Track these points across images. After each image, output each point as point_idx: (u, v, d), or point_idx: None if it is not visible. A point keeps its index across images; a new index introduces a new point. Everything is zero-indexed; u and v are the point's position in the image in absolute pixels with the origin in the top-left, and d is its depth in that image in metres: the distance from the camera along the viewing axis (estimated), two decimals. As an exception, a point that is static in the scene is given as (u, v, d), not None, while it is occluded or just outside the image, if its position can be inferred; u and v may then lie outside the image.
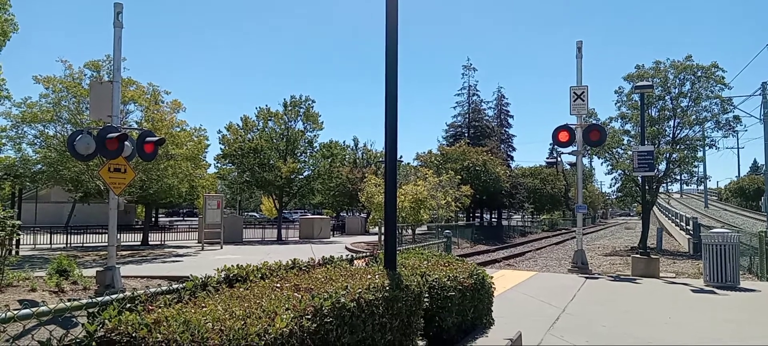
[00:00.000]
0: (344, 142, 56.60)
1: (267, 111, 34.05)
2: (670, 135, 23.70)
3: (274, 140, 34.02)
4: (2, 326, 2.79)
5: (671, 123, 23.72)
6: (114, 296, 3.23)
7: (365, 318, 3.81)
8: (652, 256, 15.44)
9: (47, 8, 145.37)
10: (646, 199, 21.16)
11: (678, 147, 23.25)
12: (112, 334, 2.81)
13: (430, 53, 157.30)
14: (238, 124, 33.97)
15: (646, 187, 21.56)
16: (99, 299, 3.19)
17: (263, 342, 2.81)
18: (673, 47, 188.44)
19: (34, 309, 2.94)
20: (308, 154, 35.53)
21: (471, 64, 68.05)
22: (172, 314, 2.92)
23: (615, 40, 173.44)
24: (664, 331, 7.75)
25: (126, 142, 10.72)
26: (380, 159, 54.59)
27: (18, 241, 16.49)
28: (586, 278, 13.79)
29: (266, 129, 34.09)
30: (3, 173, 21.13)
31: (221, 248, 25.73)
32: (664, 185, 27.86)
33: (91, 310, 3.13)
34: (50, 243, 25.93)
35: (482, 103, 67.06)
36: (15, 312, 2.85)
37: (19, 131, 21.16)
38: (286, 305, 3.28)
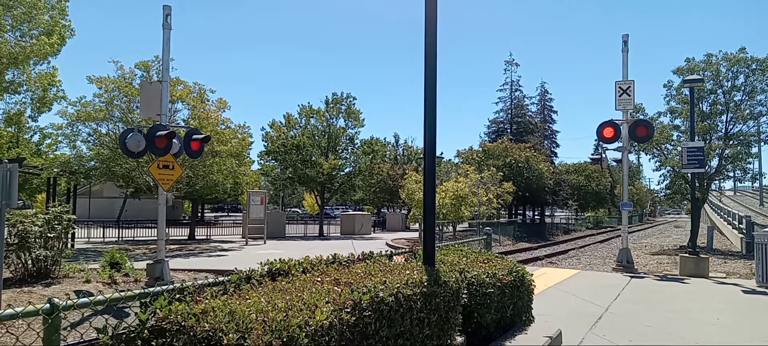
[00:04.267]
0: (385, 138, 56.71)
1: (309, 108, 34.53)
2: (723, 130, 22.83)
3: (316, 137, 34.46)
4: (63, 314, 2.98)
5: (724, 118, 22.84)
6: (164, 288, 3.40)
7: (403, 313, 3.88)
8: (702, 255, 14.95)
9: (99, 10, 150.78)
10: (695, 196, 20.45)
11: (731, 143, 22.37)
12: (163, 322, 2.96)
13: (472, 49, 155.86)
14: (281, 122, 34.57)
15: (696, 184, 20.87)
16: (151, 289, 3.37)
17: (304, 333, 2.92)
18: (725, 41, 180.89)
19: (91, 298, 3.13)
20: (349, 150, 35.85)
21: (513, 60, 67.14)
22: (218, 305, 3.05)
23: (664, 34, 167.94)
24: (712, 333, 7.54)
25: (174, 140, 11.08)
26: (421, 156, 54.49)
27: (73, 234, 17.27)
28: (631, 277, 13.50)
29: (308, 126, 34.59)
30: (59, 169, 22.08)
31: (264, 242, 26.24)
32: (716, 181, 26.78)
33: (143, 300, 3.30)
34: (103, 237, 27.00)
35: (525, 99, 66.05)
36: (74, 301, 3.04)
37: (74, 129, 22.08)
38: (326, 299, 3.38)
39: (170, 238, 26.00)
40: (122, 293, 3.30)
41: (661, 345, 6.89)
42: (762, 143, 24.17)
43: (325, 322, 3.07)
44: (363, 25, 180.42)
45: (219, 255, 19.93)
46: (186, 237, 28.71)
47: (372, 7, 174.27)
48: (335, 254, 4.99)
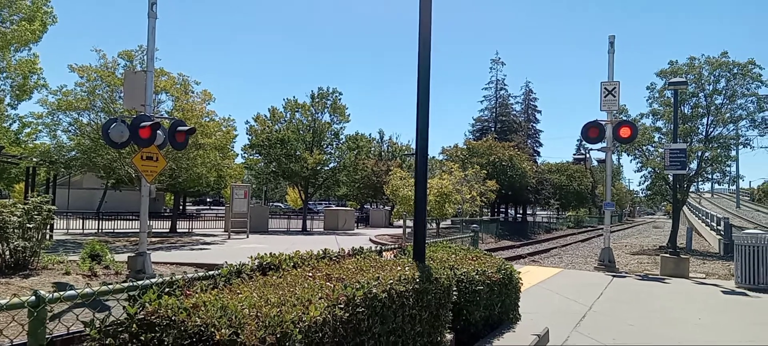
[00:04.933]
0: (370, 134, 56.65)
1: (294, 103, 34.35)
2: (703, 133, 23.18)
3: (301, 132, 34.31)
4: (49, 306, 2.89)
5: (704, 121, 23.19)
6: (153, 281, 3.33)
7: (396, 309, 3.85)
8: (682, 256, 15.16)
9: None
10: (677, 197, 20.75)
11: (711, 145, 22.73)
12: (152, 317, 2.89)
13: (458, 46, 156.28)
14: (265, 116, 34.34)
15: (677, 185, 21.17)
16: (140, 283, 3.29)
17: (298, 329, 2.87)
18: (707, 44, 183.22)
19: (79, 291, 3.05)
20: (334, 146, 35.77)
21: (499, 59, 67.60)
22: (210, 300, 2.99)
23: (648, 36, 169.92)
24: (694, 332, 7.64)
25: (158, 131, 10.91)
26: (405, 152, 54.56)
27: (52, 225, 16.95)
28: (613, 276, 13.63)
29: (293, 120, 34.42)
30: (39, 159, 21.67)
31: (247, 237, 26.07)
32: (695, 184, 27.17)
33: (131, 293, 3.23)
34: (82, 228, 26.60)
35: (510, 98, 66.60)
36: (61, 293, 2.95)
37: (55, 119, 21.71)
38: (320, 294, 3.33)
39: (152, 230, 25.66)
40: (110, 286, 3.22)
41: (645, 345, 6.96)
42: (741, 147, 24.51)
43: (318, 318, 3.03)
44: (351, 21, 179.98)
45: (201, 249, 19.75)
46: (167, 230, 28.40)
47: (360, 4, 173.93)
48: (325, 249, 4.95)
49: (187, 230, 29.36)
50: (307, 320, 2.97)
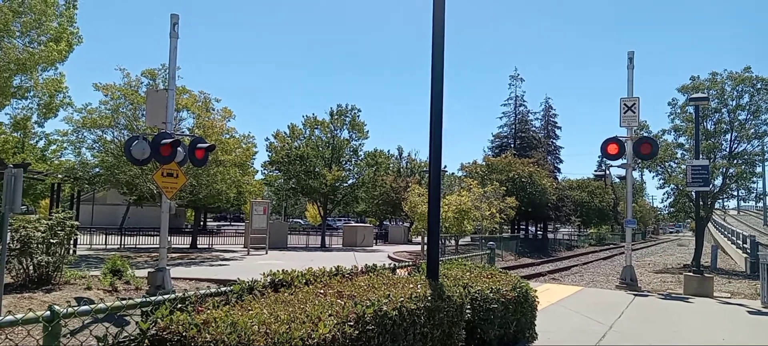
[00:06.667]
0: (389, 151, 56.74)
1: (313, 119, 34.62)
2: (727, 149, 22.82)
3: (320, 148, 34.52)
4: (63, 321, 2.95)
5: (728, 136, 22.84)
6: (166, 297, 3.37)
7: (407, 327, 3.84)
8: (706, 274, 14.84)
9: (107, 18, 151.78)
10: (700, 215, 20.38)
11: (735, 162, 22.34)
12: (164, 332, 2.93)
13: (477, 63, 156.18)
14: (285, 132, 34.64)
15: (701, 202, 20.79)
16: (152, 298, 3.34)
17: (306, 346, 2.88)
18: (729, 59, 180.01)
19: (92, 306, 3.10)
20: (353, 162, 35.89)
21: (518, 75, 67.51)
22: (220, 316, 3.03)
23: (669, 53, 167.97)
24: (717, 353, 7.46)
25: (179, 149, 11.08)
26: (424, 169, 54.52)
27: (75, 241, 17.26)
28: (635, 295, 13.38)
29: (313, 137, 34.66)
30: (63, 175, 22.12)
31: (266, 253, 26.18)
32: (720, 200, 26.74)
33: (144, 309, 3.28)
34: (105, 244, 26.97)
35: (529, 114, 66.30)
36: (75, 309, 3.01)
37: (79, 136, 22.13)
38: (329, 312, 3.34)
39: (172, 246, 25.94)
40: (123, 302, 3.28)
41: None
42: (766, 163, 24.09)
43: (327, 335, 3.04)
44: (370, 40, 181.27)
45: (221, 265, 19.88)
46: (188, 246, 28.67)
47: (380, 25, 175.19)
48: (338, 266, 4.96)
49: (207, 246, 29.61)
50: (316, 338, 2.98)
